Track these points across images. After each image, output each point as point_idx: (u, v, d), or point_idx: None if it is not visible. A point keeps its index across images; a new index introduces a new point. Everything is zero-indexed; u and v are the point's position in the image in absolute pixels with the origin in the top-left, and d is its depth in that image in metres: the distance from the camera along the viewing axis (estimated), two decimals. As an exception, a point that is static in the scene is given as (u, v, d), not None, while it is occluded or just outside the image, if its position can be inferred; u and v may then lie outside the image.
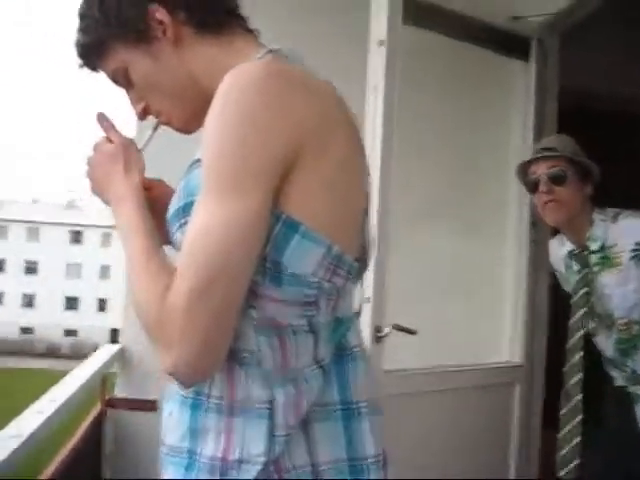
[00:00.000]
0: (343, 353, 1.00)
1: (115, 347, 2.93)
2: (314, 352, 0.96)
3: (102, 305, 46.99)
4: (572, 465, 2.26)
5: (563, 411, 2.30)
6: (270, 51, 1.00)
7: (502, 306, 2.83)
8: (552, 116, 2.88)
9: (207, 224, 0.86)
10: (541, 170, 2.25)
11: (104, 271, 46.92)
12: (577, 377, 2.28)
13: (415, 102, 2.54)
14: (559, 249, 2.41)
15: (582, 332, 2.28)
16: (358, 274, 1.03)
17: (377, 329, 2.27)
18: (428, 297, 2.62)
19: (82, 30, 1.07)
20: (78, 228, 48.04)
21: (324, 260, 0.92)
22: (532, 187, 2.29)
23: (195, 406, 0.96)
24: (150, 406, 2.65)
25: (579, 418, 2.26)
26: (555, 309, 2.84)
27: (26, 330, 45.62)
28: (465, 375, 2.65)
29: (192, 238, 0.87)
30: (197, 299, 0.85)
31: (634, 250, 2.15)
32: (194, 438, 0.95)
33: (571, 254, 2.34)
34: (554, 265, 2.49)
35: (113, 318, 36.81)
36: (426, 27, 2.58)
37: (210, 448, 0.94)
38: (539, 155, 2.29)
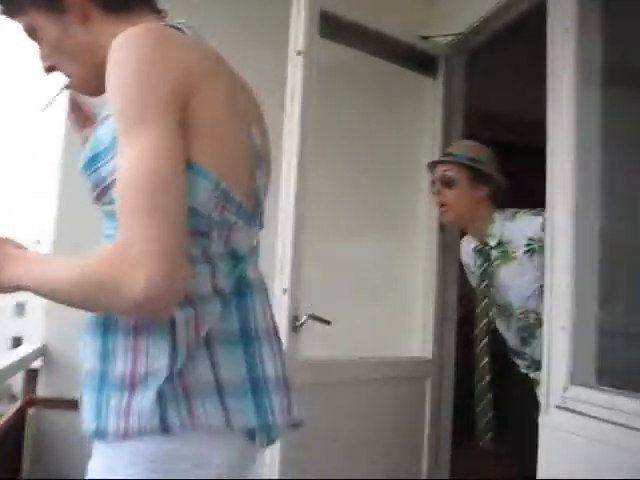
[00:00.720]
0: (242, 285, 1.11)
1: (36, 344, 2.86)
2: (212, 282, 1.06)
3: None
4: (487, 437, 2.46)
5: (477, 390, 2.49)
6: (168, 25, 1.12)
7: (413, 303, 3.00)
8: (458, 127, 3.09)
9: (127, 168, 0.96)
10: (437, 173, 2.50)
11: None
12: (485, 360, 2.47)
13: (331, 111, 2.70)
14: (468, 246, 2.61)
15: (486, 319, 2.48)
16: (251, 217, 1.15)
17: (294, 318, 2.39)
18: (343, 292, 2.75)
19: None
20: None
21: (212, 194, 1.03)
22: (432, 186, 2.54)
23: (104, 331, 1.05)
24: (71, 405, 2.67)
25: (489, 396, 2.46)
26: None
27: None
28: (378, 367, 2.78)
29: (121, 185, 0.96)
30: (147, 227, 0.92)
31: (527, 245, 2.35)
32: (105, 360, 1.04)
33: (475, 250, 2.53)
34: (464, 261, 2.68)
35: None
36: (342, 41, 2.77)
37: (119, 366, 1.03)
38: (437, 159, 2.54)
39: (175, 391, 1.01)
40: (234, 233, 1.10)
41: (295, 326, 2.39)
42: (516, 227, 2.39)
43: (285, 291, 2.39)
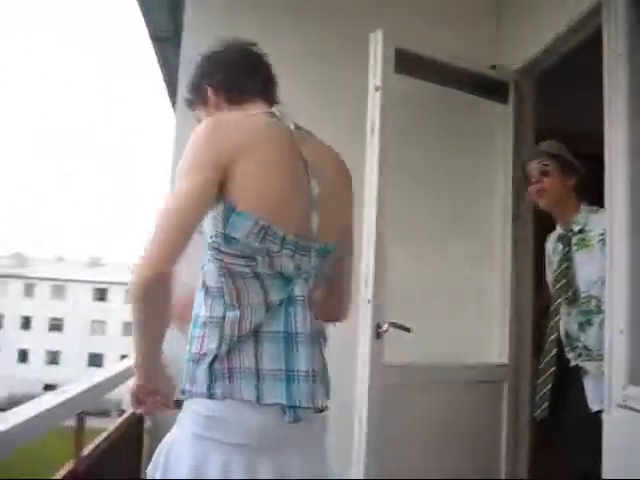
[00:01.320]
0: (291, 300, 1.50)
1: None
2: (264, 296, 1.48)
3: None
4: (544, 405, 2.71)
5: (541, 365, 2.76)
6: (267, 112, 1.62)
7: (491, 310, 3.24)
8: (529, 146, 3.29)
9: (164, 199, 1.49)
10: (533, 165, 2.85)
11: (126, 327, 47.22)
12: (554, 335, 2.74)
13: (408, 139, 3.00)
14: (553, 236, 2.92)
15: (561, 299, 2.74)
16: (302, 248, 1.53)
17: (377, 326, 2.68)
18: (423, 302, 3.02)
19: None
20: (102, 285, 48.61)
21: (253, 229, 1.44)
22: (527, 180, 2.88)
23: (194, 324, 1.53)
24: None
25: (552, 369, 2.71)
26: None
27: (49, 387, 45.86)
28: (456, 371, 3.03)
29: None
30: (159, 232, 1.41)
31: (601, 234, 2.60)
32: (190, 343, 1.51)
33: (559, 237, 2.84)
34: (547, 251, 2.98)
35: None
36: (416, 75, 3.06)
37: (193, 347, 1.50)
38: (533, 155, 2.90)
39: (222, 370, 1.45)
40: (277, 259, 1.49)
41: (378, 333, 2.68)
42: (598, 219, 2.66)
43: (369, 302, 2.69)
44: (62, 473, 1.95)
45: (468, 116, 3.24)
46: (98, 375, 2.46)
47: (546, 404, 2.71)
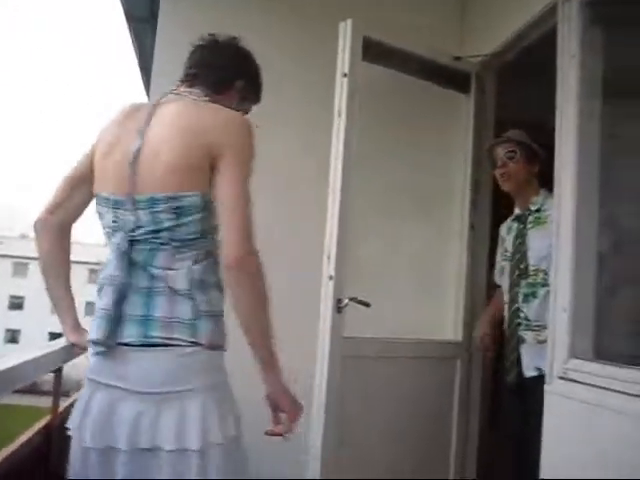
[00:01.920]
0: (112, 250, 1.72)
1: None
2: (112, 250, 1.70)
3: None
4: (513, 374, 2.91)
5: (507, 333, 2.99)
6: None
7: (446, 289, 3.42)
8: (488, 135, 3.48)
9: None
10: (500, 150, 3.05)
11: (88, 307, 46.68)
12: (515, 305, 2.93)
13: (373, 124, 3.14)
14: (508, 220, 3.13)
15: (517, 273, 2.94)
16: (119, 203, 1.71)
17: (338, 301, 2.83)
18: (382, 279, 3.18)
19: None
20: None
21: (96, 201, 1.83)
22: (493, 164, 3.08)
23: None
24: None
25: (515, 339, 2.91)
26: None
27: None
28: (412, 347, 3.20)
29: None
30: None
31: None
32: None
33: (516, 217, 3.06)
34: (500, 234, 3.19)
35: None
36: (383, 64, 3.20)
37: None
38: (500, 140, 3.10)
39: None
40: (106, 217, 1.78)
41: (339, 307, 2.82)
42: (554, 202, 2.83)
43: (331, 277, 2.83)
44: (38, 427, 2.01)
45: (432, 104, 3.39)
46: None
47: (515, 371, 2.89)
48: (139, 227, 1.67)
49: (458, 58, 3.39)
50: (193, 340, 1.64)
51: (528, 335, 2.84)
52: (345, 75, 2.96)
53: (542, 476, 2.36)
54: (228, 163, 1.68)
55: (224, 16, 3.34)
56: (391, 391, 3.06)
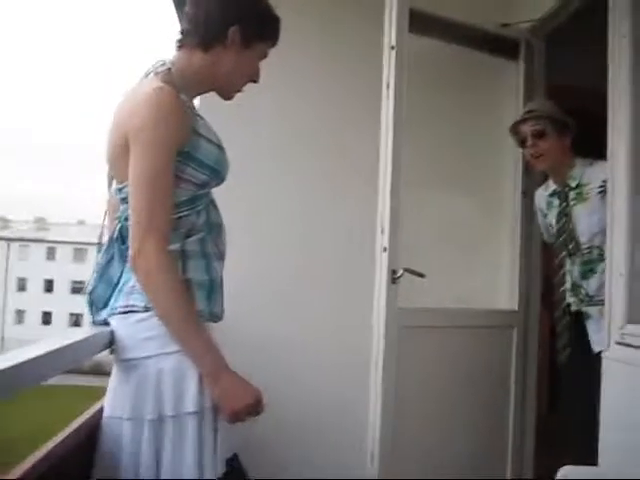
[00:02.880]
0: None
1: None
2: None
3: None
4: (565, 352, 2.91)
5: (557, 313, 2.96)
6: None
7: (502, 259, 3.41)
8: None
9: None
10: (526, 128, 2.90)
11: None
12: (564, 286, 2.90)
13: (422, 97, 3.14)
14: (543, 191, 3.04)
15: (565, 252, 2.89)
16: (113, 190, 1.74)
17: (393, 272, 2.86)
18: (438, 249, 3.20)
19: None
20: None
21: None
22: (521, 142, 2.95)
23: None
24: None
25: (568, 318, 2.90)
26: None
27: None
28: (468, 316, 3.21)
29: None
30: None
31: (600, 187, 2.70)
32: None
33: (554, 192, 2.94)
34: (538, 205, 3.09)
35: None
36: (430, 35, 3.19)
37: None
38: (525, 116, 2.93)
39: None
40: None
41: (394, 278, 2.86)
42: (594, 171, 2.77)
43: (385, 249, 2.86)
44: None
45: (480, 73, 3.37)
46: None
47: (568, 350, 2.89)
48: None
49: (506, 25, 3.36)
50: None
51: (592, 310, 2.77)
52: (393, 48, 2.96)
53: (601, 443, 2.37)
54: (132, 149, 1.56)
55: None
56: (448, 361, 3.09)
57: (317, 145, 3.50)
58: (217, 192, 1.77)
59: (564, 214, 2.88)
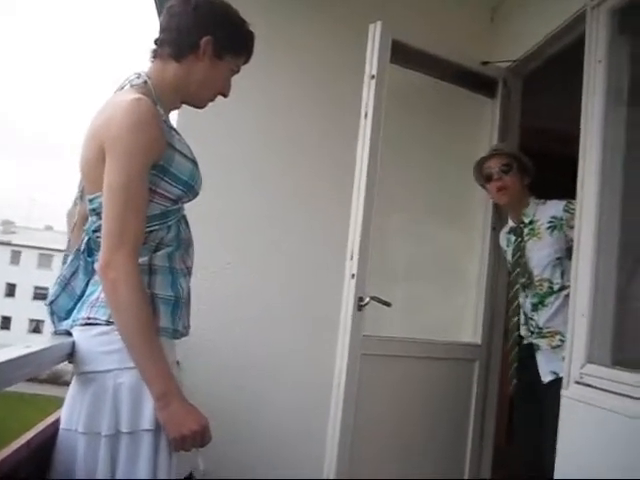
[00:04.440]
0: None
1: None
2: None
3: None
4: (514, 382, 2.98)
5: (510, 342, 3.04)
6: None
7: (467, 292, 3.45)
8: (514, 140, 3.51)
9: None
10: (494, 163, 3.03)
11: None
12: (515, 319, 2.99)
13: (399, 127, 3.18)
14: (504, 230, 3.16)
15: (518, 286, 2.98)
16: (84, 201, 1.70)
17: (359, 299, 2.87)
18: (404, 280, 3.22)
19: None
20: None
21: None
22: (487, 178, 3.05)
23: None
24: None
25: (516, 349, 2.98)
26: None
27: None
28: (431, 347, 3.23)
29: None
30: None
31: (549, 222, 2.87)
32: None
33: (511, 230, 3.07)
34: (501, 244, 3.20)
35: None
36: (410, 67, 3.24)
37: None
38: (494, 153, 3.08)
39: None
40: None
41: (360, 305, 2.87)
42: (545, 209, 2.93)
43: (353, 276, 2.88)
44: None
45: (458, 107, 3.43)
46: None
47: (514, 381, 2.97)
48: None
49: (486, 63, 3.42)
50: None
51: (542, 342, 2.86)
52: (373, 77, 3.00)
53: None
54: (107, 159, 1.54)
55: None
56: (409, 391, 3.10)
57: (292, 168, 3.51)
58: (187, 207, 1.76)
59: (518, 249, 2.99)
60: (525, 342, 2.96)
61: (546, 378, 2.81)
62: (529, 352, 2.92)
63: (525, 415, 2.98)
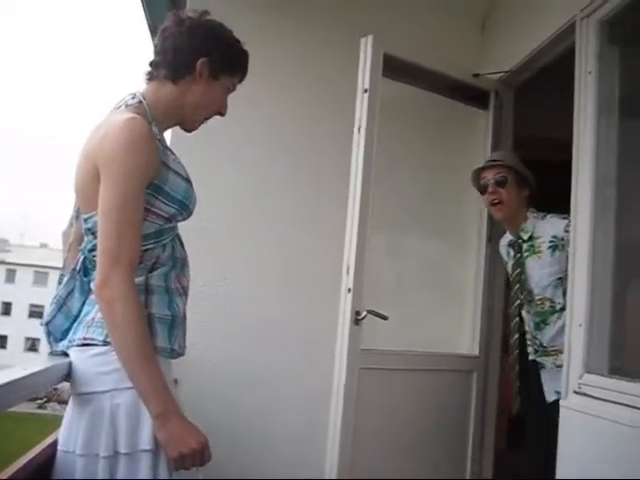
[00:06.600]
0: None
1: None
2: None
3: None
4: (516, 403, 2.93)
5: (510, 361, 2.96)
6: None
7: (464, 304, 3.44)
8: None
9: None
10: (489, 176, 2.94)
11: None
12: (516, 336, 2.94)
13: (393, 140, 3.19)
14: (503, 241, 3.08)
15: (518, 301, 2.93)
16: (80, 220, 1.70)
17: (356, 313, 2.87)
18: (402, 292, 3.22)
19: None
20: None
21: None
22: (482, 189, 2.97)
23: None
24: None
25: (517, 367, 2.93)
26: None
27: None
28: (429, 359, 3.23)
29: None
30: None
31: (551, 241, 2.80)
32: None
33: (510, 243, 2.99)
34: (501, 254, 3.12)
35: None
36: (403, 80, 3.25)
37: None
38: (488, 164, 2.98)
39: None
40: None
41: (357, 319, 2.86)
42: (545, 226, 2.84)
43: (349, 290, 2.87)
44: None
45: (451, 119, 3.45)
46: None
47: (518, 401, 2.92)
48: None
49: (477, 75, 3.44)
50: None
51: (546, 360, 2.84)
52: (366, 91, 3.01)
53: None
54: (102, 178, 1.55)
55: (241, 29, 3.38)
56: (407, 403, 3.09)
57: (287, 183, 3.51)
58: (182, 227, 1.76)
59: (517, 265, 2.92)
60: (530, 358, 2.93)
61: (550, 397, 2.77)
62: (534, 369, 2.90)
63: (530, 432, 2.96)
